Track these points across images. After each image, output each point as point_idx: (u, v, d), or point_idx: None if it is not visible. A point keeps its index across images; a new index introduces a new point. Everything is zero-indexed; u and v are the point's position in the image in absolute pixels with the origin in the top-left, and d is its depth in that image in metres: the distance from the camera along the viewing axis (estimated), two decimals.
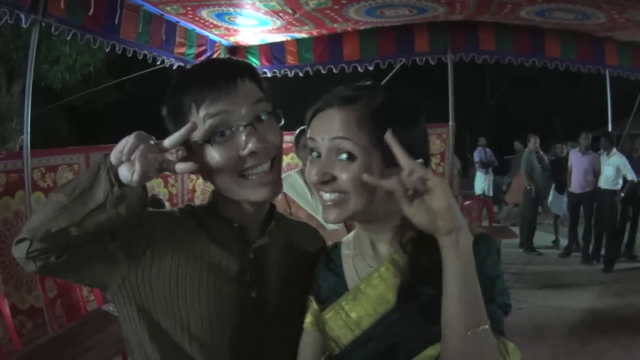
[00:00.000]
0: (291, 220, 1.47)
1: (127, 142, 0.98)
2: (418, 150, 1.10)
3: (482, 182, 11.85)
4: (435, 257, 1.04)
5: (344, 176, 1.08)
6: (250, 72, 1.19)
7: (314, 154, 1.14)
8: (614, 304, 6.02)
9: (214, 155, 1.13)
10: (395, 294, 1.10)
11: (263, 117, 1.17)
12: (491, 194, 11.93)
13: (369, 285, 1.15)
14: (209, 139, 1.12)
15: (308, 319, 1.25)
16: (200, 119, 1.11)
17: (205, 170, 1.16)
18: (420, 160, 1.03)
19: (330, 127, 1.10)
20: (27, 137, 4.35)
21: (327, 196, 1.13)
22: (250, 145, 1.11)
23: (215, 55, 6.54)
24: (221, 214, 1.26)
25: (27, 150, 4.34)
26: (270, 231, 1.29)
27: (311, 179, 1.13)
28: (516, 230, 8.63)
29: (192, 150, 1.15)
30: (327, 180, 1.10)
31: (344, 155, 1.08)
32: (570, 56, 6.75)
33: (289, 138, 7.31)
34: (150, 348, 1.18)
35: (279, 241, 1.32)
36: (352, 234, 1.30)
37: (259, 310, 1.23)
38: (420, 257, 1.10)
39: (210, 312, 1.18)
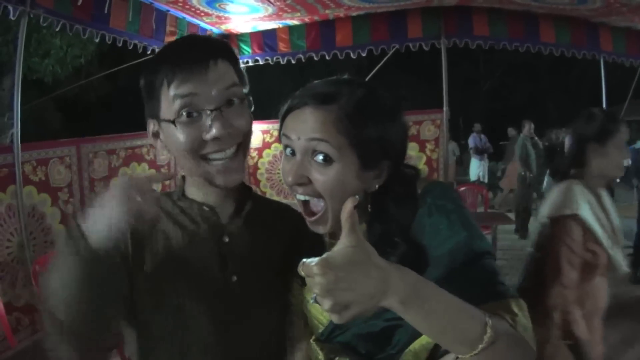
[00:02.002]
0: (271, 202, 1.44)
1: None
2: (395, 148, 1.11)
3: (477, 168, 11.88)
4: (394, 221, 1.07)
5: (320, 179, 1.07)
6: (225, 53, 1.16)
7: (288, 150, 1.12)
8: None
9: (178, 135, 1.11)
10: None
11: (235, 101, 1.14)
12: (486, 180, 11.93)
13: None
14: (174, 119, 1.10)
15: (298, 298, 1.26)
16: (170, 97, 1.09)
17: (172, 150, 1.16)
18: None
19: (305, 127, 1.07)
20: (17, 131, 4.31)
21: (301, 197, 1.12)
22: (214, 131, 1.09)
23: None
24: (191, 197, 1.26)
25: (18, 144, 4.31)
26: (247, 214, 1.27)
27: (286, 179, 1.11)
28: (512, 216, 8.64)
29: (163, 130, 1.15)
30: (302, 183, 1.08)
31: (320, 157, 1.06)
32: (564, 41, 6.71)
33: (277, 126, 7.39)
34: (145, 339, 1.20)
35: (257, 224, 1.30)
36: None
37: (241, 294, 1.22)
38: (377, 221, 1.10)
39: (192, 299, 1.17)
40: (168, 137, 1.14)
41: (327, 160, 1.05)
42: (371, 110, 1.08)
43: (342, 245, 0.83)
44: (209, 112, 1.09)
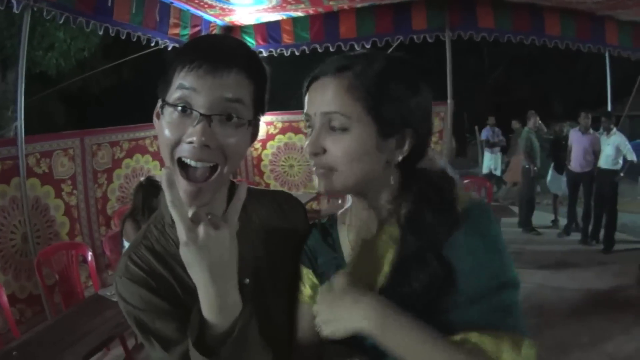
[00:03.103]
0: (257, 192, 1.36)
1: None
2: (416, 116, 1.08)
3: (488, 161, 11.84)
4: (429, 236, 1.03)
5: (334, 149, 1.05)
6: (250, 70, 1.08)
7: (308, 125, 1.12)
8: (613, 284, 6.01)
9: (165, 125, 1.05)
10: (388, 266, 1.08)
11: (234, 118, 1.05)
12: (499, 173, 11.91)
13: None
14: (166, 102, 1.05)
15: (307, 292, 1.23)
16: (176, 84, 1.04)
17: (158, 135, 1.10)
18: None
19: (322, 98, 1.07)
20: (21, 124, 4.33)
21: (318, 170, 1.10)
22: (192, 135, 1.01)
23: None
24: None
25: (22, 137, 4.32)
26: (242, 211, 1.22)
27: (305, 153, 1.10)
28: (515, 209, 8.62)
29: (163, 110, 1.08)
30: (317, 153, 1.07)
31: (336, 126, 1.05)
32: (570, 34, 6.69)
33: (286, 117, 7.27)
34: None
35: (252, 220, 1.28)
36: (348, 205, 1.27)
37: (256, 295, 1.18)
38: (411, 233, 1.06)
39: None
40: (162, 121, 1.07)
41: (343, 129, 1.05)
42: (387, 75, 1.06)
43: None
44: (198, 114, 1.02)
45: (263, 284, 1.22)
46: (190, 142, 1.01)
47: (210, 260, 0.94)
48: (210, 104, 1.02)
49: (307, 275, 1.23)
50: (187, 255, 0.94)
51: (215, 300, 0.97)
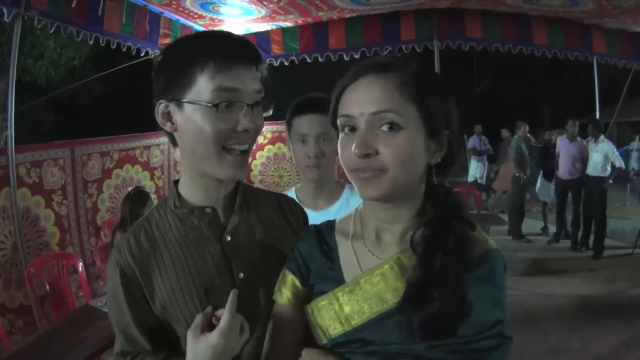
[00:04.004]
0: (260, 191, 1.45)
1: None
2: (454, 118, 1.09)
3: (475, 170, 11.89)
4: (447, 263, 1.00)
5: (387, 149, 1.02)
6: (262, 63, 1.22)
7: (346, 128, 1.08)
8: (603, 290, 6.05)
9: (210, 122, 1.13)
10: (393, 296, 1.05)
11: (260, 103, 1.20)
12: (484, 182, 11.96)
13: (368, 281, 1.09)
14: (215, 104, 1.12)
15: (285, 295, 1.20)
16: (211, 85, 1.12)
17: (192, 136, 1.17)
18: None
19: (369, 98, 1.03)
20: (11, 133, 4.31)
21: (363, 175, 1.05)
22: (246, 123, 1.14)
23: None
24: (187, 199, 1.27)
25: (12, 146, 4.31)
26: (239, 209, 1.30)
27: (346, 157, 1.07)
28: (505, 217, 8.66)
29: (184, 114, 1.16)
30: (368, 154, 1.02)
31: (387, 126, 1.02)
32: (557, 43, 6.75)
33: (275, 128, 7.25)
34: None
35: (252, 216, 1.33)
36: (349, 214, 1.24)
37: (249, 290, 1.24)
38: (430, 261, 1.02)
39: (203, 305, 1.19)
40: (189, 121, 1.15)
41: (394, 128, 1.02)
42: (430, 77, 1.08)
43: None
44: (246, 105, 1.15)
45: (256, 281, 1.26)
46: (245, 130, 1.16)
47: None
48: (250, 95, 1.16)
49: (292, 281, 1.21)
50: (199, 345, 1.09)
51: None
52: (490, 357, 0.97)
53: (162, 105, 1.18)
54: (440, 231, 1.04)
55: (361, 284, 1.09)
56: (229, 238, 1.25)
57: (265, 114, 1.24)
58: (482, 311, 0.99)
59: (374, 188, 1.04)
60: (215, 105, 1.11)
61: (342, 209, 1.99)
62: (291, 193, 2.12)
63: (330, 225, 1.26)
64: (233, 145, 1.16)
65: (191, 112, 1.14)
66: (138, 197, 4.04)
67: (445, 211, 1.08)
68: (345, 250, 1.17)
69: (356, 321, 1.07)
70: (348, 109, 1.06)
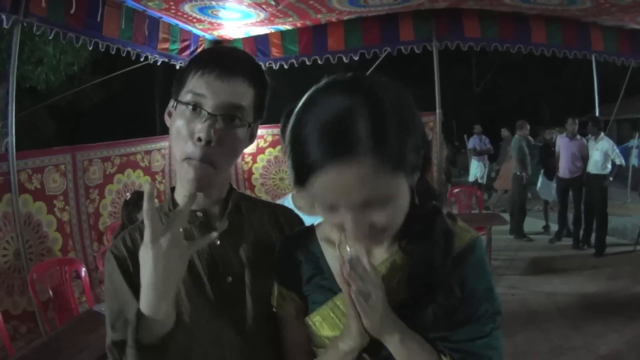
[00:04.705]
0: (257, 201, 1.46)
1: None
2: (423, 141, 1.02)
3: (475, 170, 11.90)
4: (438, 257, 1.04)
5: (382, 220, 0.96)
6: (253, 79, 1.21)
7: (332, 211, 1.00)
8: (606, 287, 6.05)
9: (177, 120, 1.18)
10: (392, 297, 1.04)
11: (236, 121, 1.19)
12: (485, 181, 11.96)
13: None
14: (182, 102, 1.17)
15: (291, 313, 1.20)
16: (187, 89, 1.17)
17: (171, 132, 1.21)
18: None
19: (352, 193, 0.93)
20: (12, 140, 4.31)
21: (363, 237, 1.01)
22: (200, 131, 1.13)
23: (199, 50, 6.50)
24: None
25: (13, 153, 4.31)
26: (230, 214, 1.31)
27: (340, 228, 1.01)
28: (506, 216, 8.66)
29: (175, 108, 1.21)
30: (365, 229, 0.97)
31: (377, 205, 0.95)
32: (556, 42, 6.76)
33: (276, 131, 7.27)
34: None
35: (244, 222, 1.34)
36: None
37: (236, 295, 1.25)
38: (422, 258, 1.05)
39: (192, 307, 1.21)
40: (174, 119, 1.20)
41: (384, 203, 0.95)
42: (390, 120, 0.92)
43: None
44: (206, 113, 1.14)
45: (244, 285, 1.27)
46: (199, 139, 1.14)
47: (161, 268, 1.03)
48: (217, 105, 1.15)
49: (291, 297, 1.20)
50: (144, 256, 1.04)
51: (153, 302, 1.05)
52: (491, 336, 1.04)
53: (170, 103, 1.24)
54: (428, 227, 1.06)
55: None
56: (218, 242, 1.26)
57: (240, 133, 1.20)
58: (475, 300, 1.05)
59: (369, 244, 1.04)
60: (184, 104, 1.16)
61: None
62: (288, 199, 2.15)
63: (308, 232, 1.25)
64: (190, 153, 1.16)
65: (177, 109, 1.20)
66: (138, 201, 4.04)
67: (430, 206, 1.09)
68: (334, 258, 1.13)
69: None
70: (330, 197, 0.96)
